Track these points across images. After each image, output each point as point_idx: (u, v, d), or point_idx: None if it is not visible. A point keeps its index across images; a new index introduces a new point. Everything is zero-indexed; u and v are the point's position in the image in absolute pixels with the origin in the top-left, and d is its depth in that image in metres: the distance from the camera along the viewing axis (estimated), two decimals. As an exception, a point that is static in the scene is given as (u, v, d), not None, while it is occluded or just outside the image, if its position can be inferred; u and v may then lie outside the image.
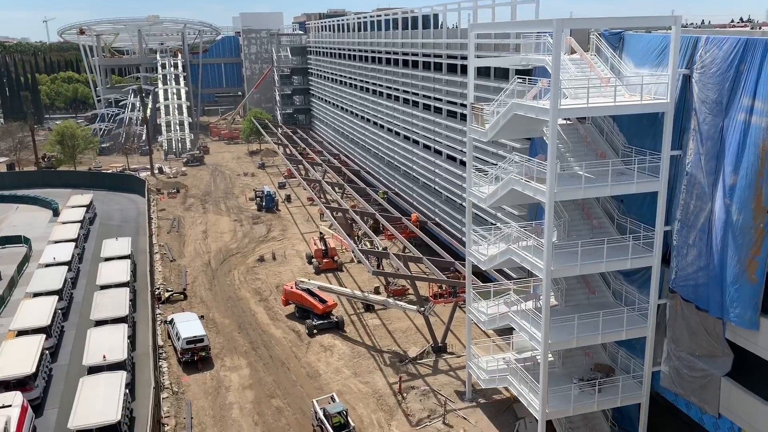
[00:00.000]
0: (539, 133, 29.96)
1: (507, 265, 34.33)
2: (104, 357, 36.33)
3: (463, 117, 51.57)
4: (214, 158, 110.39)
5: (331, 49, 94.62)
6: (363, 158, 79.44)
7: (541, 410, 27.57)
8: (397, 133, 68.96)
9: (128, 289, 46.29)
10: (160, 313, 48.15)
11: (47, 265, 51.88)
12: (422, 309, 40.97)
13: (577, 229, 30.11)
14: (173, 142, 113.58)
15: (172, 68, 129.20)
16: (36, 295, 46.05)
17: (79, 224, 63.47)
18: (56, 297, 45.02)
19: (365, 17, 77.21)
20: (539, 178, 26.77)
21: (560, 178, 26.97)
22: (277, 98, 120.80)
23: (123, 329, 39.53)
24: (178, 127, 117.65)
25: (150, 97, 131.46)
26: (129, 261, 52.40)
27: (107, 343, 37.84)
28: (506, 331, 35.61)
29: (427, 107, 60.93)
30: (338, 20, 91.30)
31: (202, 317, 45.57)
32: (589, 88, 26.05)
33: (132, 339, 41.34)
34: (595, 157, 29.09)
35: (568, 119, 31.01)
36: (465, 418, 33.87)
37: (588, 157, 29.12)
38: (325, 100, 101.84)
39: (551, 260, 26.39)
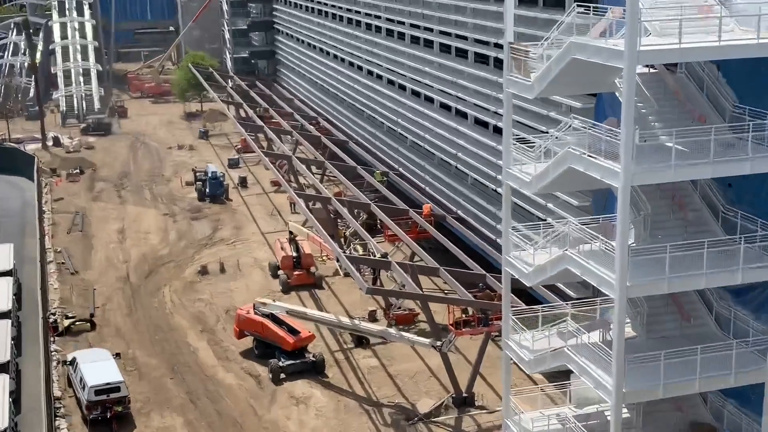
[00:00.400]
0: (609, 86, 29.84)
1: (562, 280, 34.22)
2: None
3: (499, 63, 51.61)
4: (134, 124, 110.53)
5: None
6: (353, 124, 79.59)
7: (611, 490, 27.73)
8: (403, 87, 69.12)
9: (8, 321, 46.22)
10: (56, 350, 48.29)
11: None
12: (439, 344, 41.12)
13: (665, 226, 30.08)
14: (75, 101, 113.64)
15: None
16: None
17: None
18: None
19: None
20: (609, 152, 26.72)
21: (640, 153, 26.93)
22: (227, 36, 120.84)
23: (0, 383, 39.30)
24: (81, 79, 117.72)
25: (41, 34, 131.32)
26: (10, 279, 52.33)
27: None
28: (560, 375, 35.71)
29: (445, 49, 61.02)
30: None
31: (117, 356, 45.77)
32: (682, 21, 26.00)
33: (15, 395, 41.31)
34: (692, 123, 29.05)
35: (652, 67, 30.96)
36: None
37: (681, 122, 29.08)
38: (298, 39, 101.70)
39: (627, 272, 26.40)
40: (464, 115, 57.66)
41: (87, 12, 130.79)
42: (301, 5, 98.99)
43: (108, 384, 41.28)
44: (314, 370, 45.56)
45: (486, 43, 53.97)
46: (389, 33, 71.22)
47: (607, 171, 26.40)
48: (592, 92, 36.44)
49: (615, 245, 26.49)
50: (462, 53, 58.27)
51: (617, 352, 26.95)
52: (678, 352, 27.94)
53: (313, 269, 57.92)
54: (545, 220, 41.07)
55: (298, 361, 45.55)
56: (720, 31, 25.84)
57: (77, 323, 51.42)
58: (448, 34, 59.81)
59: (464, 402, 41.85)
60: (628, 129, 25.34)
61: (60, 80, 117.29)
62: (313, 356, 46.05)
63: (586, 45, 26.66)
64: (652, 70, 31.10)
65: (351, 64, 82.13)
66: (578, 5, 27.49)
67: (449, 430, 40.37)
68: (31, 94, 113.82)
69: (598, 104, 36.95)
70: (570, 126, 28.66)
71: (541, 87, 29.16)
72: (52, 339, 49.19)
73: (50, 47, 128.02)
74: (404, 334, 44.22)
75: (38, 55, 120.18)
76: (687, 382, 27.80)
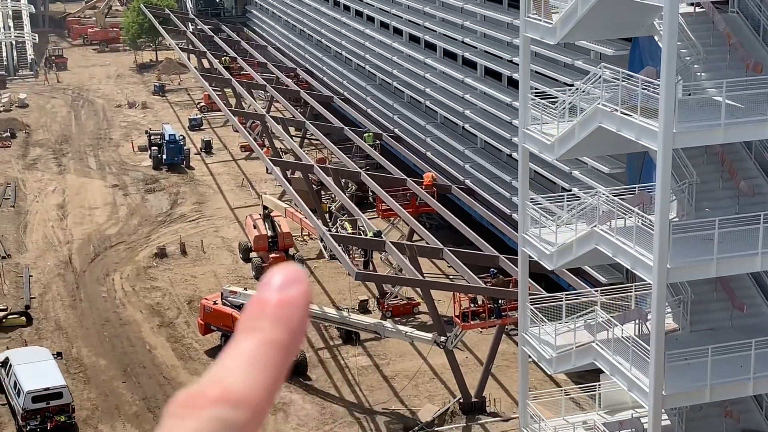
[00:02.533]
0: (646, 29, 29.78)
1: (590, 262, 34.33)
2: None
3: (514, 3, 51.37)
4: (76, 76, 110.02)
5: None
6: (339, 76, 79.36)
7: None
8: (398, 32, 68.82)
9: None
10: (-15, 349, 48.36)
11: None
12: (443, 339, 41.28)
13: (713, 197, 30.15)
14: (3, 49, 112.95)
15: None
16: None
17: None
18: None
19: None
20: (646, 108, 26.75)
21: (684, 109, 26.95)
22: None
23: None
24: (11, 23, 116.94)
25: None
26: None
27: None
28: (587, 375, 35.89)
29: (449, -15, 60.69)
30: None
31: (59, 355, 45.88)
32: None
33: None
34: (745, 73, 29.06)
35: (698, 5, 30.88)
36: None
37: (732, 72, 29.07)
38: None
39: (667, 252, 26.51)
40: (473, 65, 57.48)
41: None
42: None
43: (48, 389, 41.34)
44: (294, 371, 45.70)
45: (499, -22, 53.76)
46: (382, -34, 70.89)
47: (644, 131, 26.40)
48: (627, 37, 36.33)
49: (653, 220, 26.56)
50: (470, -10, 58.03)
51: (656, 347, 27.09)
52: (728, 347, 28.10)
53: (292, 251, 57.96)
54: (570, 190, 41.09)
55: (274, 360, 45.70)
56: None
57: (9, 317, 51.41)
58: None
59: (473, 408, 42.06)
60: (669, 81, 25.31)
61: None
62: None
63: (620, -21, 26.59)
64: (698, 9, 31.03)
65: (336, 3, 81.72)
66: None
67: (456, 442, 40.69)
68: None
69: (634, 51, 36.82)
70: (600, 77, 28.63)
71: (565, 30, 29.09)
72: (-21, 336, 49.23)
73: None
74: (402, 327, 44.35)
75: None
76: (738, 382, 27.98)
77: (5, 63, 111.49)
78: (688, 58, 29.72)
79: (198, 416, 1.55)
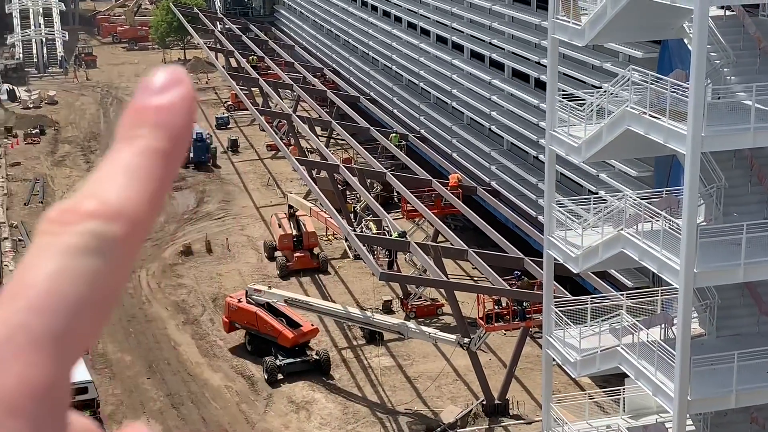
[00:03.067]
0: (676, 32, 29.62)
1: (616, 265, 34.14)
2: None
3: (543, 3, 51.24)
4: (105, 74, 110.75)
5: None
6: (365, 76, 79.42)
7: None
8: (426, 32, 68.78)
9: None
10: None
11: None
12: (466, 341, 41.21)
13: (742, 201, 29.95)
14: (33, 47, 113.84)
15: None
16: None
17: None
18: None
19: None
20: (675, 111, 26.61)
21: (713, 113, 26.79)
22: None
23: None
24: (41, 21, 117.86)
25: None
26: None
27: None
28: (612, 379, 35.73)
29: (478, -14, 60.62)
30: None
31: (85, 352, 46.12)
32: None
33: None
34: (776, 76, 28.86)
35: (728, 8, 30.69)
36: None
37: (762, 76, 28.86)
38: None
39: (694, 257, 26.36)
40: (500, 67, 57.34)
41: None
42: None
43: (73, 384, 41.54)
44: (317, 371, 45.77)
45: (527, -20, 53.61)
46: (410, -33, 70.85)
47: (673, 134, 26.26)
48: (656, 39, 36.15)
49: (681, 224, 26.40)
50: (498, -9, 57.90)
51: (682, 352, 26.93)
52: (754, 353, 27.90)
53: (316, 250, 58.04)
54: (596, 193, 40.94)
55: (298, 359, 45.76)
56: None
57: (37, 312, 51.84)
58: (482, -31, 59.46)
59: (496, 410, 41.97)
60: (698, 84, 25.16)
61: (15, 22, 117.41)
62: (317, 354, 46.25)
63: (649, -19, 26.46)
64: (728, 13, 30.82)
65: (364, 4, 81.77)
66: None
67: (478, 444, 40.62)
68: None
69: (663, 54, 36.67)
70: (628, 80, 28.49)
71: (593, 32, 28.98)
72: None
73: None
74: (425, 328, 44.31)
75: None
76: (764, 388, 27.78)
77: (35, 60, 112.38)
78: (717, 61, 29.55)
79: (71, 231, 1.40)
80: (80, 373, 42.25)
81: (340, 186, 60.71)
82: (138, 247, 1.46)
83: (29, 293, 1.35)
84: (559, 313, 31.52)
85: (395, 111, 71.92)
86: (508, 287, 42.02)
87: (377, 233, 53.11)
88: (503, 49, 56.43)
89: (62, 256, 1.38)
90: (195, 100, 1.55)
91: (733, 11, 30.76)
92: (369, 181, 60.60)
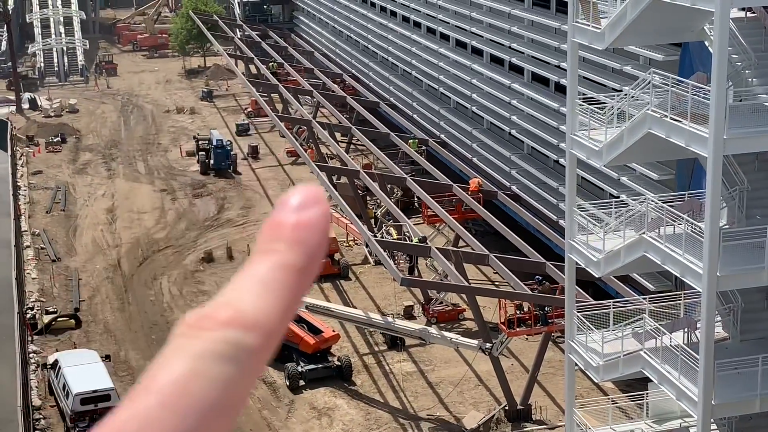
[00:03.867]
0: (696, 34, 29.51)
1: (638, 269, 34.01)
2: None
3: (562, 7, 51.16)
4: (125, 82, 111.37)
5: None
6: (385, 82, 79.51)
7: None
8: (445, 37, 68.78)
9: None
10: (35, 352, 49.01)
11: None
12: (488, 346, 41.12)
13: (764, 204, 29.79)
14: (54, 55, 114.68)
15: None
16: None
17: None
18: None
19: None
20: (696, 114, 26.52)
21: (735, 115, 26.69)
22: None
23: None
24: (62, 29, 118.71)
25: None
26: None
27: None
28: (635, 384, 35.56)
29: (497, -10, 60.58)
30: None
31: (107, 358, 46.39)
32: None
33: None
34: (798, 78, 28.70)
35: (750, 10, 30.55)
36: None
37: (785, 78, 28.75)
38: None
39: (717, 260, 26.23)
40: (520, 71, 57.25)
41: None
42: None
43: (96, 391, 41.78)
44: (339, 377, 45.79)
45: (546, -17, 53.51)
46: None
47: (694, 137, 26.17)
48: (677, 42, 36.01)
49: (703, 227, 26.29)
50: (517, -5, 57.81)
51: (705, 356, 26.81)
52: (779, 356, 27.75)
53: (337, 256, 58.09)
54: (618, 197, 40.79)
55: (320, 365, 45.79)
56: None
57: (59, 320, 52.04)
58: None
59: (519, 416, 41.86)
60: (720, 86, 25.06)
61: (37, 31, 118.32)
62: (338, 360, 46.27)
63: (669, -16, 26.39)
64: (749, 15, 30.69)
65: (383, 9, 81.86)
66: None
67: (501, 449, 40.52)
68: (2, 47, 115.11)
69: (684, 56, 36.50)
70: (649, 83, 28.41)
71: (613, 35, 28.92)
72: (29, 338, 49.91)
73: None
74: (447, 334, 44.27)
75: (10, 0, 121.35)
76: (790, 393, 27.59)
77: (56, 69, 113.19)
78: (739, 63, 29.43)
79: (207, 337, 1.48)
80: (103, 380, 42.46)
81: (360, 191, 60.76)
82: (267, 357, 1.51)
83: (162, 391, 1.42)
84: (582, 317, 31.46)
85: (415, 116, 71.93)
86: (530, 292, 41.92)
87: (398, 239, 53.10)
88: (523, 53, 56.35)
89: (197, 359, 1.45)
90: (330, 219, 1.61)
91: (754, 13, 30.63)
92: (389, 186, 60.61)
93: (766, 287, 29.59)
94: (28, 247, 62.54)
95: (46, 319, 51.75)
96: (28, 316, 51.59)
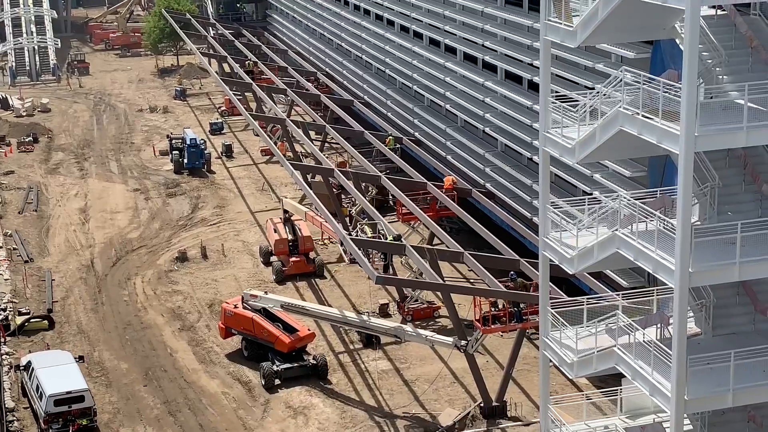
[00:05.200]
0: (668, 32, 29.67)
1: (612, 266, 34.11)
2: None
3: (535, 5, 51.30)
4: (98, 81, 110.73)
5: None
6: (359, 80, 79.46)
7: None
8: (419, 35, 68.83)
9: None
10: (8, 353, 48.67)
11: None
12: (463, 343, 41.23)
13: (735, 200, 29.97)
14: (26, 55, 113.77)
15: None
16: None
17: None
18: None
19: None
20: (668, 111, 26.64)
21: (706, 112, 26.81)
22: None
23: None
24: (33, 29, 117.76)
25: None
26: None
27: None
28: (609, 379, 35.76)
29: (470, -11, 60.72)
30: None
31: (81, 359, 46.13)
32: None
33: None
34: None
35: (720, 8, 30.73)
36: None
37: (754, 75, 28.89)
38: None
39: (689, 256, 26.38)
40: (493, 69, 57.41)
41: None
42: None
43: (70, 392, 41.55)
44: (315, 375, 45.78)
45: (519, -19, 53.65)
46: (402, -30, 70.93)
47: (666, 134, 26.30)
48: (648, 40, 36.19)
49: (675, 224, 26.44)
50: (490, -7, 57.93)
51: (678, 351, 26.97)
52: (751, 351, 27.94)
53: (312, 255, 58.04)
54: (591, 194, 40.95)
55: (295, 364, 45.75)
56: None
57: (32, 321, 51.73)
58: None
59: (494, 412, 41.98)
60: (690, 83, 25.20)
61: (7, 29, 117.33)
62: (314, 358, 46.26)
63: (640, -18, 26.50)
64: (719, 12, 30.87)
65: (356, 7, 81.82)
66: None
67: (476, 446, 40.62)
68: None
69: (655, 54, 36.71)
70: (621, 80, 28.54)
71: (585, 33, 29.01)
72: (2, 340, 49.57)
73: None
74: (422, 331, 44.34)
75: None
76: (762, 387, 27.81)
77: (27, 67, 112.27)
78: (709, 60, 29.57)
79: None
80: (76, 381, 42.22)
81: (335, 190, 60.73)
82: None
83: None
84: (555, 314, 31.54)
85: (389, 114, 71.96)
86: (505, 289, 42.03)
87: (372, 237, 53.10)
88: (496, 51, 56.49)
89: None
90: None
91: (724, 10, 30.79)
92: (364, 184, 60.63)
93: (738, 283, 29.79)
94: (0, 247, 62.04)
95: (19, 320, 51.42)
96: (1, 317, 51.22)
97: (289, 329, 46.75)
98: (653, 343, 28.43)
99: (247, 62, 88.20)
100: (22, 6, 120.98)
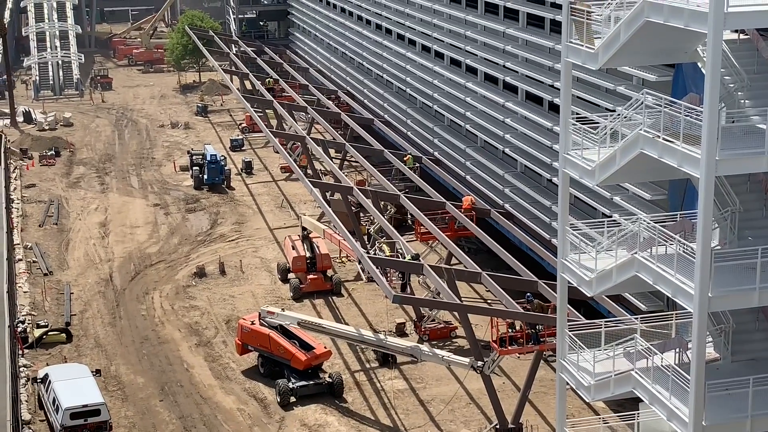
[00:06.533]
0: (689, 56, 29.63)
1: (630, 289, 33.95)
2: None
3: (556, 27, 51.38)
4: (120, 97, 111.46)
5: None
6: (379, 99, 79.64)
7: None
8: (440, 56, 68.97)
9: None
10: (26, 366, 48.85)
11: None
12: (480, 364, 41.07)
13: (756, 225, 29.83)
14: (50, 69, 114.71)
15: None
16: None
17: None
18: None
19: None
20: (689, 135, 26.58)
21: (727, 136, 26.74)
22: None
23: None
24: (58, 43, 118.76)
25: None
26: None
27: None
28: (626, 403, 35.52)
29: (492, 9, 60.83)
30: None
31: (98, 372, 46.24)
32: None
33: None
34: (790, 100, 28.79)
35: (743, 32, 30.69)
36: None
37: (777, 100, 28.85)
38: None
39: (709, 281, 26.24)
40: (514, 90, 57.41)
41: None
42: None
43: (86, 406, 41.63)
44: (330, 393, 45.68)
45: (541, 2, 53.71)
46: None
47: (687, 158, 26.24)
48: (670, 63, 36.13)
49: (695, 248, 26.32)
50: (512, 14, 57.99)
51: (696, 377, 26.80)
52: (770, 378, 27.74)
53: (330, 272, 58.03)
54: (610, 216, 40.80)
55: (311, 382, 45.68)
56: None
57: (50, 333, 51.89)
58: (496, -8, 59.64)
59: (510, 434, 41.77)
60: (712, 107, 25.15)
61: (32, 44, 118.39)
62: (330, 377, 46.18)
63: (663, 5, 26.48)
64: (742, 36, 30.82)
65: (378, 26, 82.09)
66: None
67: (491, 468, 40.39)
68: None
69: (677, 77, 36.58)
70: (642, 103, 28.51)
71: (607, 56, 29.02)
72: (20, 352, 49.73)
73: (21, 4, 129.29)
74: (438, 351, 44.21)
75: (6, 13, 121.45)
76: (781, 414, 27.57)
77: (51, 82, 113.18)
78: (731, 84, 29.52)
79: None
80: (93, 395, 42.30)
81: (353, 208, 60.78)
82: None
83: None
84: (573, 336, 31.43)
85: (409, 133, 72.04)
86: (522, 310, 41.88)
87: (390, 255, 53.06)
88: (517, 72, 56.51)
89: None
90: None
91: (746, 35, 30.74)
92: (382, 203, 60.64)
93: (758, 308, 29.61)
94: (20, 260, 62.38)
95: (38, 332, 51.60)
96: (19, 329, 51.42)
97: (306, 347, 46.72)
98: (671, 368, 28.28)
99: (267, 80, 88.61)
100: (47, 21, 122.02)
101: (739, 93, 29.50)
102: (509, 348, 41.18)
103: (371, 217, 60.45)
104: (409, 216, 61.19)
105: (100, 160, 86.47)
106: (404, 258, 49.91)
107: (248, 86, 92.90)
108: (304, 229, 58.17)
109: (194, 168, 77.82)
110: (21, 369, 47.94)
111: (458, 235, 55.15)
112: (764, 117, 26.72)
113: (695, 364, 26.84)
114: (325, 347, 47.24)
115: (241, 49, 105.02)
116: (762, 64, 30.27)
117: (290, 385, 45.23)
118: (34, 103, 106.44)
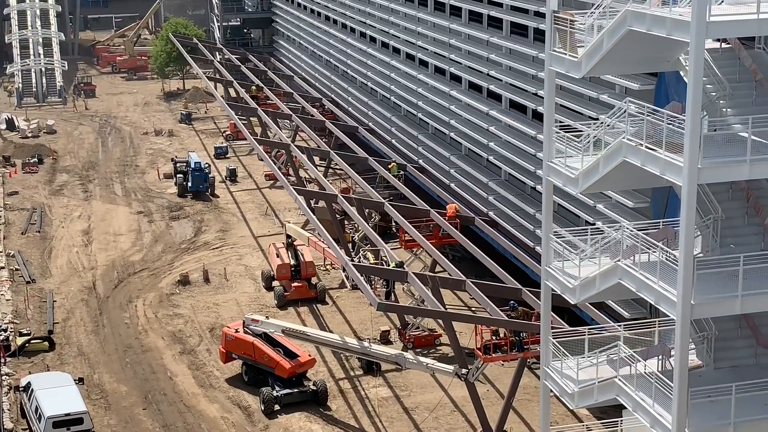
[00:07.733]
0: (672, 64, 29.80)
1: (614, 296, 34.10)
2: None
3: (540, 36, 51.55)
4: (104, 104, 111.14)
5: None
6: (364, 107, 79.73)
7: None
8: (424, 64, 69.14)
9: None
10: (8, 374, 48.58)
11: None
12: (464, 372, 41.11)
13: (738, 233, 29.98)
14: (33, 76, 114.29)
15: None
16: None
17: None
18: None
19: None
20: (672, 143, 26.70)
21: (709, 144, 26.88)
22: (215, 1, 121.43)
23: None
24: (41, 51, 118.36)
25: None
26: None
27: None
28: (610, 410, 35.62)
29: (476, 17, 61.01)
30: None
31: (80, 381, 46.02)
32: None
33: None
34: (772, 108, 28.97)
35: (725, 41, 30.89)
36: None
37: (758, 108, 28.98)
38: (299, 4, 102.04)
39: (691, 288, 26.34)
40: (498, 98, 57.59)
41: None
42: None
43: (69, 414, 41.41)
44: (315, 401, 45.62)
45: (524, 11, 53.93)
46: (409, -2, 71.38)
47: (669, 166, 26.36)
48: (653, 71, 36.33)
49: (678, 255, 26.44)
50: (496, 23, 58.21)
51: (679, 384, 26.89)
52: (752, 384, 27.85)
53: (314, 280, 58.00)
54: (594, 224, 40.97)
55: (295, 390, 45.62)
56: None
57: (33, 342, 51.64)
58: (480, 0, 59.81)
59: (494, 442, 41.81)
60: (694, 116, 25.29)
61: (15, 51, 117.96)
62: (314, 384, 46.12)
63: (645, 14, 26.64)
64: (724, 45, 31.02)
65: (362, 35, 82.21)
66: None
67: (476, 476, 40.40)
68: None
69: (659, 86, 36.78)
70: (625, 112, 28.64)
71: (590, 64, 29.15)
72: (2, 360, 49.48)
73: (4, 11, 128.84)
74: (423, 359, 44.22)
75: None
76: (763, 421, 27.69)
77: (34, 89, 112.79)
78: (713, 93, 29.68)
79: None
80: (75, 403, 42.08)
81: (338, 216, 60.77)
82: None
83: None
84: (557, 344, 31.49)
85: (393, 141, 72.14)
86: (506, 318, 41.96)
87: (375, 263, 53.05)
88: (501, 80, 56.70)
89: None
90: None
91: (729, 44, 30.94)
92: (367, 211, 60.66)
93: (740, 316, 29.74)
94: (2, 268, 62.08)
95: (20, 340, 51.34)
96: (1, 337, 51.15)
97: (290, 354, 46.65)
98: (654, 375, 28.36)
99: (252, 87, 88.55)
100: (30, 28, 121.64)
101: (721, 101, 29.67)
102: (493, 355, 41.23)
103: (356, 225, 60.46)
104: (393, 224, 61.23)
105: (83, 167, 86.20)
106: (388, 266, 49.92)
107: (232, 94, 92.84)
108: (288, 236, 58.12)
109: (178, 175, 77.65)
110: (3, 377, 47.69)
111: (442, 242, 55.21)
112: (746, 125, 26.85)
113: (678, 371, 26.93)
114: (309, 355, 47.19)
115: (226, 56, 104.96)
116: (744, 73, 30.45)
117: (274, 393, 45.15)
118: (17, 111, 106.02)
